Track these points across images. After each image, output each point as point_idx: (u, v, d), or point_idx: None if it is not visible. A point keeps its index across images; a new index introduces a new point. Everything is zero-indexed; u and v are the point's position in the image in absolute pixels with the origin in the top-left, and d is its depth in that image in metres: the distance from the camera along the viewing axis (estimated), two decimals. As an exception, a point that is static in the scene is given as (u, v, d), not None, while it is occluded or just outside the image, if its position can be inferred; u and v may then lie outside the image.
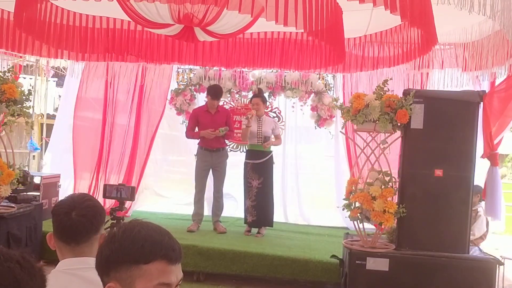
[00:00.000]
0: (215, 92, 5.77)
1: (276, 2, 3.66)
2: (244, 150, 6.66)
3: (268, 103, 6.48)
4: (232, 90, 6.84)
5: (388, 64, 5.50)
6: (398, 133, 4.10)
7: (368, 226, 4.16)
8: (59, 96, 9.35)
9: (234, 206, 6.87)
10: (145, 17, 4.14)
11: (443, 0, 3.23)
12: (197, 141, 5.91)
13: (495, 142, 4.08)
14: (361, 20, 4.92)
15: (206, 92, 6.01)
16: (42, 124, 7.72)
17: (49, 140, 7.65)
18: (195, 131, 5.87)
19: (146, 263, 1.14)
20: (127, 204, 5.90)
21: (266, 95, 6.44)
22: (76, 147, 6.76)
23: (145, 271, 1.14)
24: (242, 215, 5.96)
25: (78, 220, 1.63)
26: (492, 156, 4.11)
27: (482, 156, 4.15)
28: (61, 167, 6.75)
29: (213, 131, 5.62)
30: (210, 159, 5.82)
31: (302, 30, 3.86)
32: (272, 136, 5.80)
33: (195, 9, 3.98)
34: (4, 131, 4.51)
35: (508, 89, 3.97)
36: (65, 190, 6.41)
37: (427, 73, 6.02)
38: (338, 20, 4.02)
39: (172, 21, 4.13)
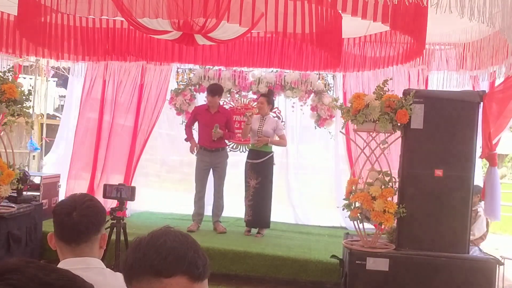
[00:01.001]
0: (211, 89, 5.82)
1: (276, 10, 3.67)
2: (244, 150, 6.67)
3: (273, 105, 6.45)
4: (232, 90, 6.84)
5: (387, 64, 5.50)
6: (398, 133, 4.10)
7: (368, 226, 4.16)
8: (59, 96, 9.37)
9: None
10: (145, 26, 4.15)
11: (442, 9, 3.24)
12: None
13: (493, 142, 4.07)
14: (361, 21, 4.91)
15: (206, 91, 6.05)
16: (42, 124, 7.72)
17: (49, 140, 7.66)
18: (193, 130, 6.00)
19: (167, 277, 1.08)
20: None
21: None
22: (77, 147, 6.78)
23: (166, 285, 1.08)
24: (241, 215, 5.97)
25: (79, 220, 1.63)
26: (491, 156, 4.11)
27: (481, 157, 4.15)
28: (62, 168, 6.77)
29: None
30: (209, 159, 5.83)
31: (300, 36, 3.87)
32: (276, 137, 5.78)
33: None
34: (4, 131, 4.51)
35: (506, 90, 3.96)
36: (69, 190, 6.45)
37: (425, 74, 6.03)
38: (337, 26, 4.04)
39: (171, 28, 4.15)
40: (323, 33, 3.88)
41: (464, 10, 3.33)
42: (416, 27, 3.70)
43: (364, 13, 3.42)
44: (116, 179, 6.53)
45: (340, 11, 3.63)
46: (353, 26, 4.77)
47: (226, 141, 6.04)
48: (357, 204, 3.96)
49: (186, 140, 5.95)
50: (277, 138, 5.78)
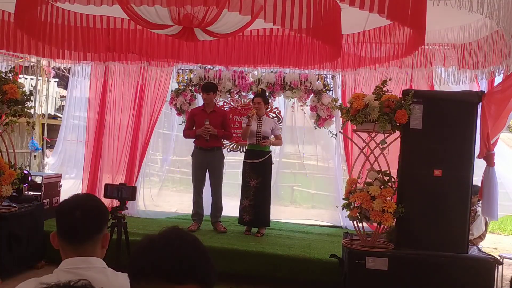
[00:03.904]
0: (205, 86, 5.85)
1: (275, 2, 3.69)
2: (244, 150, 6.68)
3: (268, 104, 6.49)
4: (232, 90, 6.86)
5: (387, 59, 5.49)
6: (397, 133, 4.11)
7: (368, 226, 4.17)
8: (60, 97, 9.40)
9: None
10: (145, 19, 4.16)
11: (439, 2, 3.25)
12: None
13: (491, 142, 4.09)
14: (359, 15, 4.90)
15: None
16: (43, 124, 7.75)
17: (50, 140, 7.69)
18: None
19: (180, 283, 1.06)
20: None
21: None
22: (90, 148, 6.86)
23: None
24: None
25: (81, 219, 1.65)
26: (489, 156, 4.12)
27: (479, 156, 4.16)
28: (63, 167, 6.80)
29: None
30: (205, 158, 5.79)
31: (298, 28, 3.89)
32: (272, 136, 5.81)
33: (195, 10, 4.00)
34: (5, 131, 4.54)
35: (505, 90, 3.98)
36: (73, 190, 6.48)
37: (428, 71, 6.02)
38: (336, 18, 4.04)
39: (171, 22, 4.16)
40: (322, 25, 3.89)
41: (463, 2, 3.34)
42: (414, 18, 3.68)
43: (362, 3, 3.42)
44: (117, 179, 6.57)
45: (338, 2, 3.65)
46: (351, 19, 4.74)
47: (223, 141, 6.04)
48: (357, 204, 3.97)
49: (195, 136, 5.79)
50: (273, 137, 5.81)
